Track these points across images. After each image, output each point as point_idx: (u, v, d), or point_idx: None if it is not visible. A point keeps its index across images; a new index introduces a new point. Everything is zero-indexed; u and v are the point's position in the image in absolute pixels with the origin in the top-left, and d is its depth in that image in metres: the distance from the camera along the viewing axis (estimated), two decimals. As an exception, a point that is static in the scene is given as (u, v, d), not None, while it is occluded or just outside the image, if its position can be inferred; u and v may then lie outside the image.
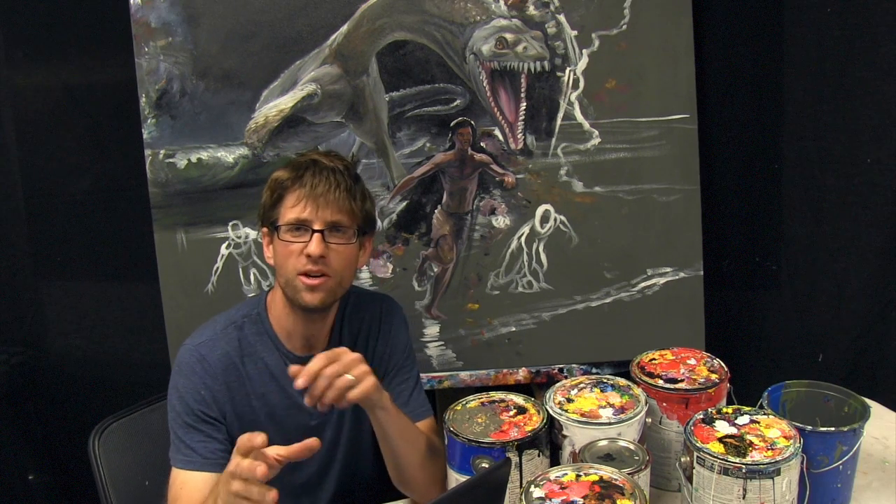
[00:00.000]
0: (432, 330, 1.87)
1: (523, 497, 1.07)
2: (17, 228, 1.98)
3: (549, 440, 1.25)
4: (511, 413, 1.28)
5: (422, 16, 1.76)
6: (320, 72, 1.78)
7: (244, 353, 1.36)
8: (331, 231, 1.28)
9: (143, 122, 1.78)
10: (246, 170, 1.80)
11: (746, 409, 1.25)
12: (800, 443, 1.16)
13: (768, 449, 1.15)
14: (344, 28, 1.77)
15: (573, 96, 1.80)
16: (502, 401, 1.32)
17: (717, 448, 1.15)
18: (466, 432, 1.23)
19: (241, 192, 1.79)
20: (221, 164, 1.80)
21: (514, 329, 1.87)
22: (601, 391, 1.33)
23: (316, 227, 1.27)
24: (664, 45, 1.80)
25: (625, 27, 1.78)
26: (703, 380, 1.34)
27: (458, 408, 1.31)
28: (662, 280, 1.86)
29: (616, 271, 1.86)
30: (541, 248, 1.85)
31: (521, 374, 1.89)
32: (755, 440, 1.17)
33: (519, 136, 1.81)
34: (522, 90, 1.80)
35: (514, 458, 1.20)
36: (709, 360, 1.41)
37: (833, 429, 1.22)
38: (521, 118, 1.81)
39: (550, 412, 1.27)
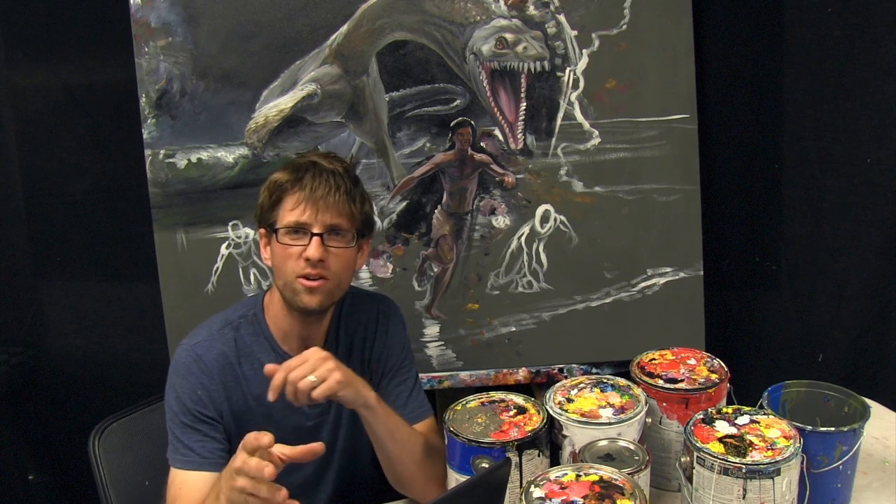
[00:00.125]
0: (432, 330, 1.87)
1: (523, 497, 1.07)
2: (17, 228, 1.98)
3: (549, 440, 1.25)
4: (511, 413, 1.28)
5: (422, 16, 1.76)
6: (320, 72, 1.78)
7: (240, 354, 1.36)
8: (330, 234, 1.28)
9: (143, 122, 1.78)
10: (246, 170, 1.80)
11: (746, 409, 1.25)
12: (800, 443, 1.16)
13: (768, 449, 1.15)
14: (344, 28, 1.77)
15: (573, 96, 1.80)
16: (502, 401, 1.32)
17: (717, 448, 1.15)
18: (466, 432, 1.23)
19: (241, 192, 1.79)
20: (221, 164, 1.80)
21: (514, 329, 1.87)
22: (601, 391, 1.33)
23: (315, 230, 1.27)
24: (664, 45, 1.80)
25: (625, 27, 1.78)
26: (703, 380, 1.34)
27: (458, 408, 1.31)
28: (662, 280, 1.86)
29: (616, 271, 1.86)
30: (541, 248, 1.85)
31: (521, 374, 1.89)
32: (755, 440, 1.17)
33: (519, 136, 1.81)
34: (522, 90, 1.80)
35: (514, 458, 1.20)
36: (709, 360, 1.41)
37: (833, 429, 1.22)
38: (521, 118, 1.81)
39: (550, 412, 1.27)
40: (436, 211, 1.84)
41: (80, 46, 1.88)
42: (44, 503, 2.12)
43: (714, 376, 1.35)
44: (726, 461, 1.12)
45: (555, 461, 1.26)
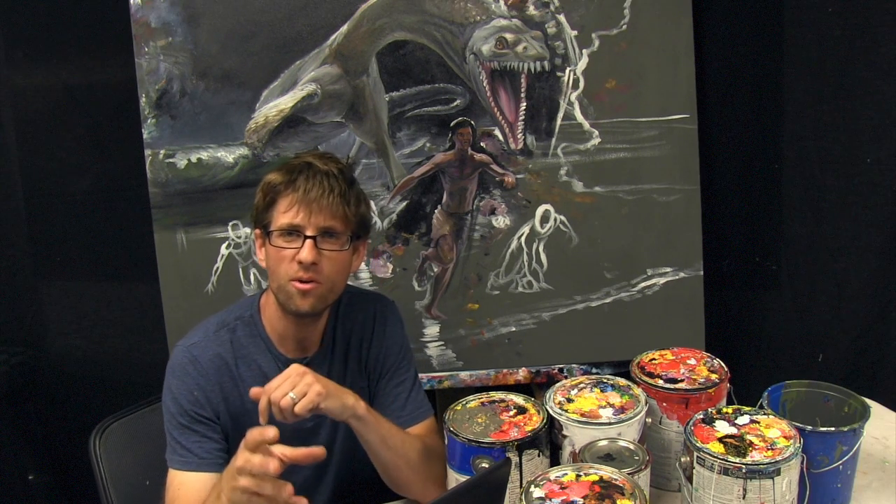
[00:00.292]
0: (432, 330, 1.87)
1: (523, 497, 1.07)
2: (17, 228, 1.98)
3: (549, 440, 1.25)
4: (511, 413, 1.28)
5: (422, 16, 1.76)
6: (320, 72, 1.78)
7: (237, 356, 1.35)
8: (323, 237, 1.27)
9: (143, 122, 1.78)
10: (246, 170, 1.80)
11: (746, 409, 1.25)
12: (800, 443, 1.16)
13: (768, 449, 1.15)
14: (344, 28, 1.77)
15: (573, 96, 1.80)
16: (502, 401, 1.32)
17: (717, 448, 1.15)
18: (466, 432, 1.23)
19: (241, 192, 1.79)
20: (221, 164, 1.80)
21: (514, 329, 1.87)
22: (601, 391, 1.33)
23: (308, 232, 1.26)
24: (664, 45, 1.80)
25: (625, 27, 1.78)
26: (703, 380, 1.34)
27: (458, 408, 1.31)
28: (662, 280, 1.86)
29: (616, 271, 1.86)
30: (541, 248, 1.85)
31: (521, 374, 1.89)
32: (755, 440, 1.17)
33: (519, 136, 1.81)
34: (522, 90, 1.80)
35: (514, 458, 1.20)
36: (709, 360, 1.41)
37: (833, 429, 1.22)
38: (521, 118, 1.81)
39: (550, 412, 1.27)
40: (436, 211, 1.84)
41: (80, 46, 1.88)
42: (44, 503, 2.12)
43: (714, 376, 1.35)
44: (726, 461, 1.12)
45: (555, 461, 1.26)
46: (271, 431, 1.07)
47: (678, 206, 1.84)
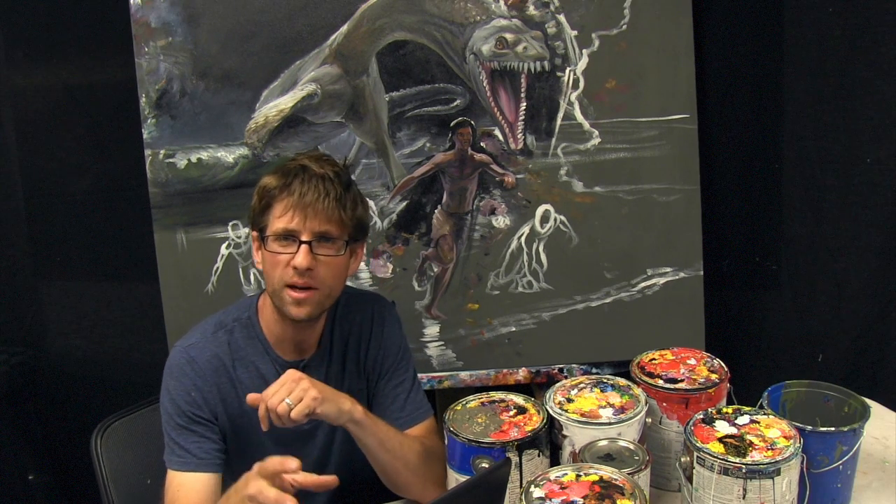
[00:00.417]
0: (432, 330, 1.87)
1: (523, 497, 1.07)
2: (17, 228, 1.98)
3: (549, 440, 1.25)
4: (511, 413, 1.28)
5: (422, 16, 1.76)
6: (320, 72, 1.78)
7: (235, 358, 1.35)
8: (319, 242, 1.26)
9: (143, 122, 1.78)
10: (246, 170, 1.80)
11: (746, 409, 1.25)
12: (800, 443, 1.16)
13: (768, 449, 1.15)
14: (344, 28, 1.77)
15: (573, 96, 1.80)
16: (502, 401, 1.32)
17: (717, 448, 1.15)
18: (466, 432, 1.23)
19: (241, 192, 1.79)
20: (221, 164, 1.80)
21: (514, 329, 1.87)
22: (601, 391, 1.33)
23: (303, 237, 1.25)
24: (664, 45, 1.80)
25: (625, 27, 1.78)
26: (703, 380, 1.34)
27: (458, 408, 1.31)
28: (662, 280, 1.86)
29: (616, 271, 1.86)
30: (541, 248, 1.85)
31: (521, 374, 1.89)
32: (755, 440, 1.17)
33: (519, 136, 1.82)
34: (522, 90, 1.80)
35: (514, 458, 1.20)
36: (709, 360, 1.41)
37: (833, 429, 1.22)
38: (521, 118, 1.81)
39: (550, 412, 1.27)
40: (436, 211, 1.84)
41: (80, 46, 1.88)
42: (44, 503, 2.12)
43: (714, 376, 1.35)
44: (726, 461, 1.12)
45: (555, 461, 1.26)
46: (293, 463, 1.07)
47: (678, 206, 1.84)
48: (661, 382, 1.34)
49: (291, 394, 1.16)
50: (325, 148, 1.80)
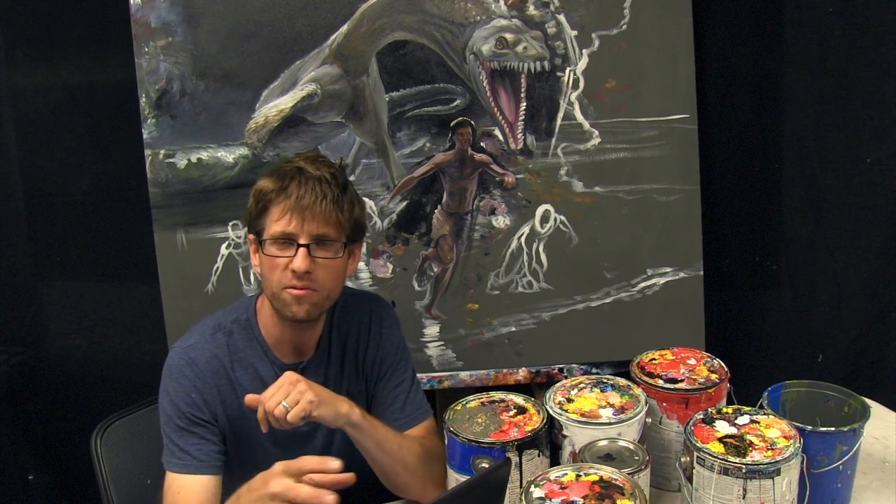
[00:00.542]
0: (432, 330, 1.87)
1: (523, 497, 1.07)
2: (17, 228, 1.98)
3: (549, 440, 1.25)
4: (511, 413, 1.28)
5: (422, 16, 1.76)
6: (320, 72, 1.78)
7: (234, 359, 1.34)
8: (317, 245, 1.25)
9: (143, 122, 1.78)
10: (246, 170, 1.80)
11: (746, 409, 1.25)
12: (800, 443, 1.16)
13: (768, 449, 1.15)
14: (344, 28, 1.77)
15: (573, 96, 1.80)
16: (502, 401, 1.32)
17: (717, 448, 1.15)
18: (466, 432, 1.23)
19: (241, 192, 1.78)
20: (221, 164, 1.80)
21: (514, 329, 1.87)
22: (601, 391, 1.33)
23: (301, 241, 1.24)
24: (664, 45, 1.80)
25: (625, 27, 1.78)
26: (703, 380, 1.34)
27: (458, 408, 1.31)
28: (662, 280, 1.86)
29: (616, 271, 1.86)
30: (541, 248, 1.85)
31: (521, 374, 1.89)
32: (755, 440, 1.17)
33: (519, 136, 1.82)
34: (522, 90, 1.80)
35: (514, 458, 1.20)
36: (709, 360, 1.41)
37: (833, 429, 1.22)
38: (521, 118, 1.81)
39: (550, 412, 1.27)
40: (436, 211, 1.84)
41: (80, 46, 1.88)
42: (44, 503, 2.12)
43: (714, 376, 1.35)
44: (726, 461, 1.12)
45: (555, 461, 1.26)
46: (335, 463, 1.08)
47: (678, 206, 1.84)
48: (661, 382, 1.34)
49: (288, 396, 1.16)
50: (325, 148, 1.80)
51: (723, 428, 1.20)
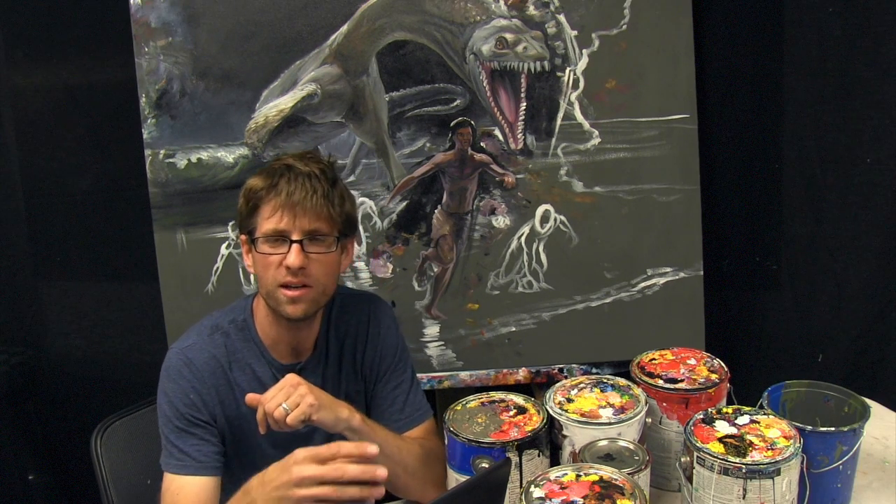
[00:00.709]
0: (432, 330, 1.87)
1: (523, 497, 1.07)
2: (17, 228, 1.98)
3: (549, 440, 1.25)
4: (511, 413, 1.28)
5: (422, 16, 1.76)
6: (320, 72, 1.78)
7: (231, 360, 1.34)
8: (310, 240, 1.25)
9: (143, 122, 1.78)
10: (246, 170, 1.80)
11: (746, 409, 1.25)
12: (800, 443, 1.16)
13: (768, 449, 1.15)
14: (344, 28, 1.77)
15: (573, 96, 1.80)
16: (502, 401, 1.32)
17: (717, 448, 1.15)
18: (466, 432, 1.23)
19: (241, 192, 1.79)
20: (221, 164, 1.80)
21: (514, 329, 1.87)
22: (601, 391, 1.33)
23: (294, 237, 1.24)
24: (664, 45, 1.80)
25: (625, 27, 1.78)
26: (703, 380, 1.34)
27: (458, 408, 1.31)
28: (662, 280, 1.86)
29: (616, 271, 1.86)
30: (541, 248, 1.85)
31: (521, 374, 1.89)
32: (755, 440, 1.17)
33: (519, 136, 1.82)
34: (522, 90, 1.80)
35: (514, 458, 1.20)
36: (709, 360, 1.41)
37: (833, 429, 1.22)
38: (521, 118, 1.81)
39: (550, 412, 1.27)
40: (436, 211, 1.84)
41: (80, 46, 1.88)
42: (44, 503, 2.12)
43: (714, 376, 1.35)
44: (726, 461, 1.12)
45: (555, 461, 1.26)
46: (373, 448, 1.08)
47: (678, 206, 1.84)
48: (661, 382, 1.34)
49: (289, 399, 1.16)
50: (325, 148, 1.80)
51: (723, 428, 1.20)
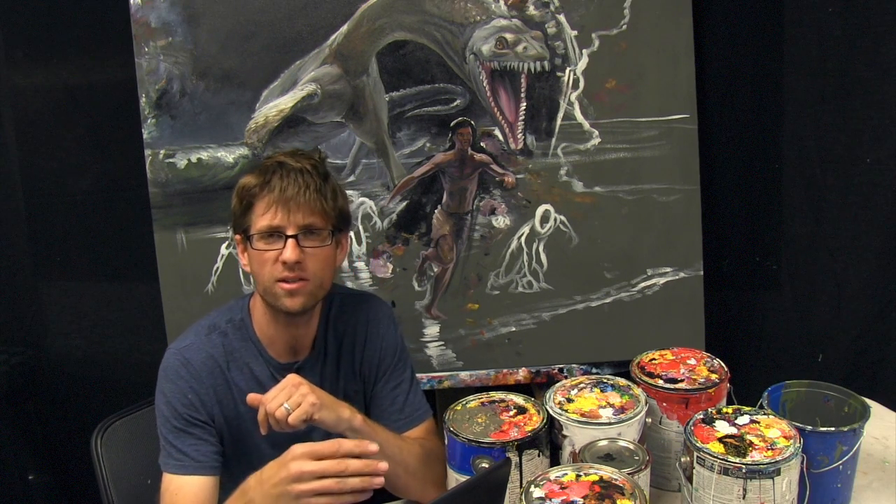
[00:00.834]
0: (432, 330, 1.87)
1: (523, 497, 1.07)
2: (17, 228, 1.98)
3: (549, 440, 1.25)
4: (511, 413, 1.28)
5: (422, 16, 1.76)
6: (320, 72, 1.78)
7: (229, 359, 1.34)
8: (305, 235, 1.25)
9: (143, 122, 1.78)
10: (246, 170, 1.79)
11: (746, 409, 1.25)
12: (800, 443, 1.16)
13: (768, 449, 1.15)
14: (344, 28, 1.77)
15: (573, 96, 1.80)
16: (502, 401, 1.32)
17: (717, 448, 1.15)
18: (466, 432, 1.23)
19: (241, 192, 1.78)
20: (221, 164, 1.80)
21: (514, 329, 1.87)
22: (601, 391, 1.33)
23: (289, 232, 1.24)
24: (664, 45, 1.80)
25: (625, 27, 1.78)
26: (703, 380, 1.34)
27: (458, 408, 1.31)
28: (662, 280, 1.86)
29: (616, 271, 1.86)
30: (541, 248, 1.85)
31: (521, 374, 1.89)
32: (755, 440, 1.17)
33: (519, 136, 1.82)
34: (522, 90, 1.80)
35: (514, 458, 1.20)
36: (709, 360, 1.41)
37: (833, 429, 1.22)
38: (521, 118, 1.81)
39: (550, 412, 1.27)
40: (436, 211, 1.84)
41: (80, 46, 1.88)
42: (44, 503, 2.12)
43: (714, 376, 1.35)
44: (726, 461, 1.12)
45: (555, 461, 1.26)
46: (374, 447, 1.09)
47: (678, 206, 1.84)
48: (661, 382, 1.34)
49: (290, 399, 1.16)
50: (326, 148, 1.80)
51: (723, 428, 1.20)
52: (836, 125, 1.87)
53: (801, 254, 1.96)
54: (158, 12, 1.75)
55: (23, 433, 2.07)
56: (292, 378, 1.19)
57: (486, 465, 1.20)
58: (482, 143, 1.82)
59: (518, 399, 1.32)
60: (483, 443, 1.21)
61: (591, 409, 1.28)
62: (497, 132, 1.82)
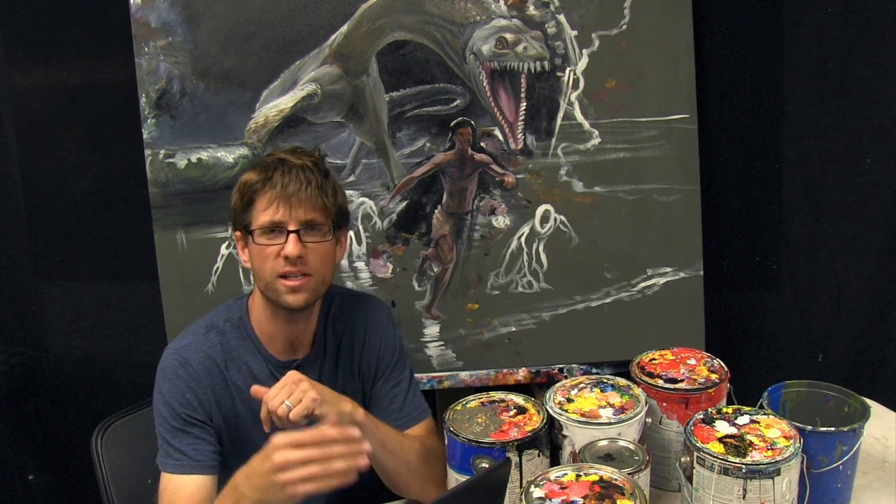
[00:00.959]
0: (432, 330, 1.87)
1: (523, 497, 1.07)
2: (17, 228, 1.98)
3: (549, 440, 1.25)
4: (511, 413, 1.28)
5: (422, 16, 1.76)
6: (320, 72, 1.78)
7: (227, 358, 1.34)
8: (306, 230, 1.27)
9: (143, 122, 1.78)
10: (246, 167, 1.79)
11: (746, 409, 1.25)
12: (800, 443, 1.16)
13: (768, 449, 1.15)
14: (344, 28, 1.77)
15: (573, 96, 1.80)
16: (502, 401, 1.32)
17: (717, 448, 1.15)
18: (466, 432, 1.23)
19: (242, 192, 1.78)
20: (221, 164, 1.80)
21: (514, 329, 1.87)
22: (601, 391, 1.33)
23: (291, 227, 1.25)
24: (664, 45, 1.80)
25: (625, 27, 1.78)
26: (703, 380, 1.34)
27: (458, 408, 1.31)
28: (662, 280, 1.86)
29: (616, 271, 1.86)
30: (541, 248, 1.85)
31: (521, 374, 1.89)
32: (755, 440, 1.17)
33: (519, 136, 1.82)
34: (522, 90, 1.80)
35: (514, 458, 1.20)
36: (709, 360, 1.41)
37: (833, 429, 1.22)
38: (521, 118, 1.81)
39: (550, 412, 1.27)
40: (436, 211, 1.84)
41: (80, 46, 1.88)
42: (44, 503, 2.12)
43: (714, 376, 1.35)
44: (726, 461, 1.12)
45: (555, 461, 1.26)
46: (356, 431, 1.10)
47: (678, 206, 1.84)
48: (661, 382, 1.34)
49: (291, 395, 1.16)
50: (326, 148, 1.80)
51: (723, 428, 1.20)
52: (836, 125, 1.87)
53: (801, 254, 1.96)
54: (158, 12, 1.75)
55: (23, 433, 2.07)
56: (292, 375, 1.19)
57: (486, 465, 1.20)
58: (482, 143, 1.82)
59: (518, 399, 1.32)
60: (483, 443, 1.21)
61: (591, 409, 1.28)
62: (497, 132, 1.82)
